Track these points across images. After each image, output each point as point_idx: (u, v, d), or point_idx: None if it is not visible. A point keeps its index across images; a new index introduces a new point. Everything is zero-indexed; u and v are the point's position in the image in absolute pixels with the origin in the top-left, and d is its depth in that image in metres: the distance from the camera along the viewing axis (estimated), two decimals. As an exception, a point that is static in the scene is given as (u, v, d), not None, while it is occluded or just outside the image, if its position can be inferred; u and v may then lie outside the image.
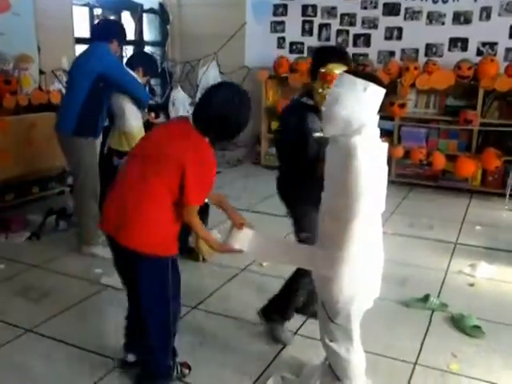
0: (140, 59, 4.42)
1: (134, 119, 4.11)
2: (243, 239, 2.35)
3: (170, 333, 2.39)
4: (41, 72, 5.41)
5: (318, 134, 2.48)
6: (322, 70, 2.50)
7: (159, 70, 4.70)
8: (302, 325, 3.02)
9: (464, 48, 6.08)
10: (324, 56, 2.62)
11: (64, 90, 5.49)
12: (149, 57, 4.95)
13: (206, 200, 3.29)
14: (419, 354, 2.77)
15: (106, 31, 3.97)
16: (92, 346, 2.80)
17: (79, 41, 6.06)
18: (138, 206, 2.20)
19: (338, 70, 2.40)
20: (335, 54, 2.67)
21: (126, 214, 2.21)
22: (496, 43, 5.92)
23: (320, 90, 2.52)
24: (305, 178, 2.55)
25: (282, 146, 2.82)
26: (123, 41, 4.24)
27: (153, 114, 4.75)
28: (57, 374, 2.58)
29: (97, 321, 3.10)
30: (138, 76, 4.14)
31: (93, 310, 3.25)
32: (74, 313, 3.18)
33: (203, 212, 4.11)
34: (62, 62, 5.64)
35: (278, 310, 2.83)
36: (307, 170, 2.50)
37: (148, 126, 4.43)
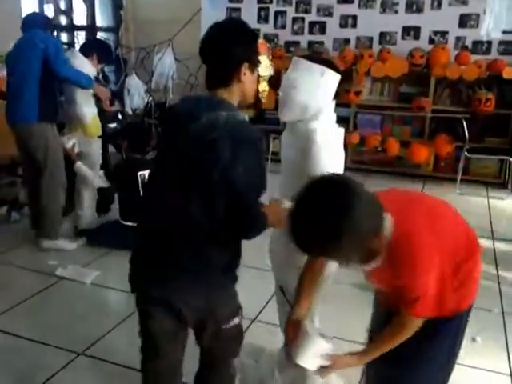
0: (94, 46, 4.32)
1: (86, 106, 3.99)
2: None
3: None
4: (-13, 58, 5.20)
5: None
6: (255, 69, 1.82)
7: (114, 57, 4.59)
8: (260, 311, 3.05)
9: (416, 36, 6.20)
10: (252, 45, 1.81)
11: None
12: (103, 43, 4.83)
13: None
14: (375, 335, 2.84)
15: (36, 22, 3.84)
16: (48, 339, 2.75)
17: (28, 26, 5.85)
18: None
19: None
20: None
21: None
22: (447, 32, 6.06)
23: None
24: None
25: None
26: (52, 29, 4.22)
27: (107, 102, 4.64)
28: (12, 368, 2.52)
29: (52, 313, 3.04)
30: (92, 63, 4.03)
31: (48, 303, 3.19)
32: (29, 306, 3.11)
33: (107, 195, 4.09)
34: (10, 46, 5.42)
35: None
36: None
37: (102, 113, 4.34)
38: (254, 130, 1.67)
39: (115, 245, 3.90)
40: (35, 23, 3.82)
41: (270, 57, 6.41)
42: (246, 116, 1.79)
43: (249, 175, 1.56)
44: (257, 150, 1.63)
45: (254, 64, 1.72)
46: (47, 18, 4.29)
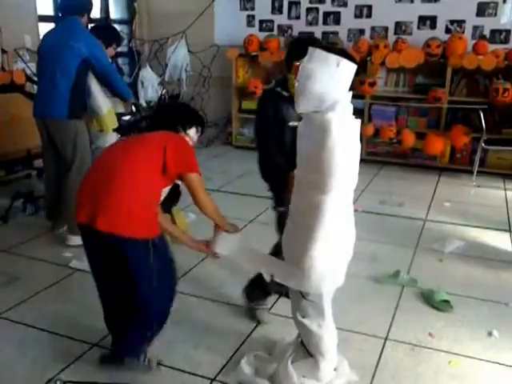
0: (96, 34, 4.21)
1: (101, 98, 3.98)
2: (225, 243, 2.44)
3: (153, 320, 2.36)
4: (3, 51, 5.24)
5: (293, 124, 2.46)
6: (297, 64, 2.36)
7: (120, 38, 4.34)
8: (274, 304, 3.04)
9: (433, 26, 6.11)
10: (299, 49, 2.45)
11: (28, 70, 5.36)
12: (101, 28, 4.68)
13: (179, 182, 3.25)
14: (390, 329, 2.82)
15: (75, 5, 3.79)
16: (63, 330, 2.77)
17: (42, 19, 5.88)
18: (111, 190, 2.15)
19: None
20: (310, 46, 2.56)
21: (99, 200, 2.16)
22: (464, 21, 5.97)
23: (296, 84, 2.41)
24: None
25: (259, 133, 2.73)
26: (89, 13, 4.03)
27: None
28: (29, 359, 2.54)
29: (67, 305, 3.06)
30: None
31: (63, 294, 3.21)
32: (44, 297, 3.14)
33: (175, 193, 4.06)
34: (25, 40, 5.47)
35: (259, 288, 2.83)
36: (285, 157, 2.50)
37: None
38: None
39: None
40: (71, 8, 3.79)
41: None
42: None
43: None
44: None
45: None
46: (83, 1, 3.96)
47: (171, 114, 2.56)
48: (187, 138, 2.46)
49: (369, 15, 6.36)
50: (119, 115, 4.21)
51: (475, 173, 5.62)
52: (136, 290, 2.27)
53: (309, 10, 6.64)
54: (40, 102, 3.81)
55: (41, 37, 5.74)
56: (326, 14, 6.56)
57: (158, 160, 2.20)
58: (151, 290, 2.27)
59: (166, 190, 2.33)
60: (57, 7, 3.79)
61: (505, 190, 5.42)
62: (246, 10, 6.94)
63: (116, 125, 4.07)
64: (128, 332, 2.39)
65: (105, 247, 2.23)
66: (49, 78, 3.70)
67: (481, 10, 5.87)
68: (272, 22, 6.86)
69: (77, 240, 3.79)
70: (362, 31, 6.39)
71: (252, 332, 2.77)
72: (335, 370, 2.34)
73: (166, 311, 2.40)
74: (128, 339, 2.41)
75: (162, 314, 2.38)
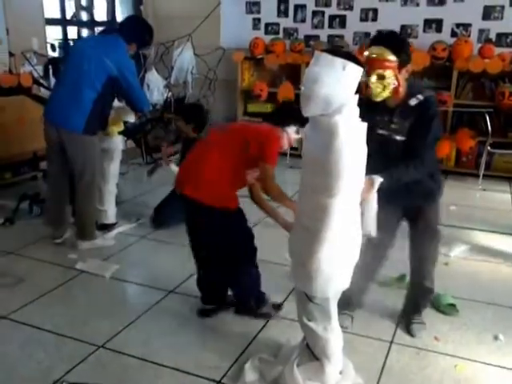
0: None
1: None
2: None
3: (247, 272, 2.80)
4: (10, 54, 5.27)
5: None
6: (365, 54, 2.44)
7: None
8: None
9: (438, 29, 6.11)
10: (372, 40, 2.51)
11: (35, 73, 5.38)
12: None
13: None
14: (395, 332, 2.82)
15: (131, 31, 3.72)
16: (68, 332, 2.77)
17: (50, 22, 5.92)
18: (199, 165, 2.68)
19: (377, 51, 2.41)
20: (380, 36, 2.60)
21: (191, 172, 2.72)
22: (470, 24, 5.96)
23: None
24: None
25: None
26: (143, 47, 4.04)
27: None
28: (34, 360, 2.55)
29: (72, 306, 3.07)
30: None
31: (68, 296, 3.22)
32: (50, 299, 3.15)
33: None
34: (32, 43, 5.51)
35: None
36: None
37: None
38: None
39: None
40: (120, 30, 3.73)
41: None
42: None
43: None
44: None
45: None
46: (142, 32, 3.88)
47: (278, 111, 3.05)
48: (285, 135, 2.75)
49: (374, 18, 6.36)
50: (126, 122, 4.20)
51: (481, 176, 5.60)
52: (209, 253, 2.80)
53: (314, 13, 6.65)
54: (56, 108, 3.60)
55: (48, 40, 5.80)
56: (332, 18, 6.57)
57: (245, 145, 2.62)
58: (224, 255, 2.74)
59: (252, 173, 2.70)
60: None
61: (511, 193, 5.40)
62: (252, 13, 6.95)
63: (121, 128, 4.08)
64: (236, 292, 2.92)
65: (190, 212, 2.75)
66: (72, 87, 3.51)
67: (487, 14, 5.86)
68: (278, 25, 6.87)
69: (86, 245, 3.83)
70: (367, 34, 6.38)
71: (257, 334, 2.77)
72: (341, 373, 2.33)
73: (250, 270, 2.82)
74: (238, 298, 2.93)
75: (247, 275, 2.81)
